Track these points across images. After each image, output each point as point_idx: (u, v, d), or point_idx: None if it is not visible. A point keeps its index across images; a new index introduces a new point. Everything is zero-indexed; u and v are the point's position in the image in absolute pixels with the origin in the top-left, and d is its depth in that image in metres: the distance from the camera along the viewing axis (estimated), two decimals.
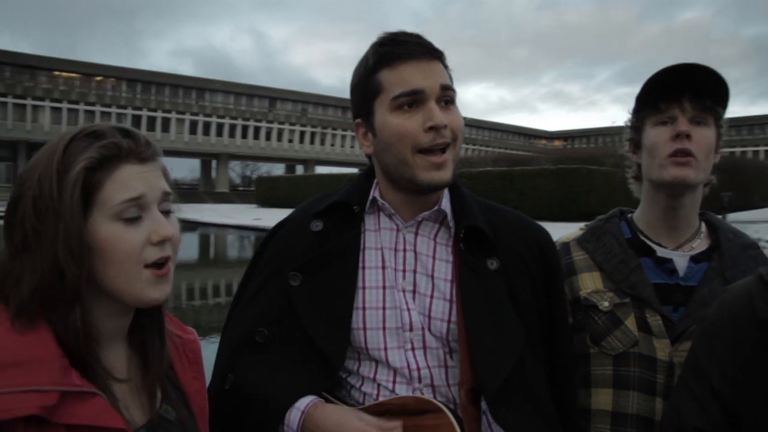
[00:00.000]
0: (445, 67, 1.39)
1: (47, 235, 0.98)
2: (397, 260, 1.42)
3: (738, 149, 74.51)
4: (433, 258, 1.42)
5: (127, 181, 1.02)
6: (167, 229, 1.05)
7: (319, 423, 1.28)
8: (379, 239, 1.44)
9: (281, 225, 1.54)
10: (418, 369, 1.36)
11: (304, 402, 1.31)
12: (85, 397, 0.96)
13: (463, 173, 40.68)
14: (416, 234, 1.43)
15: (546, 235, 1.52)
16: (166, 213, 1.08)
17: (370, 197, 1.45)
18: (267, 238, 1.55)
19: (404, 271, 1.41)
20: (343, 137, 79.25)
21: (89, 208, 1.00)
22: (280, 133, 75.70)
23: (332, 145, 79.74)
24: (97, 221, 1.00)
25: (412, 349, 1.37)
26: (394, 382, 1.37)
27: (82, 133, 1.04)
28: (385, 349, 1.37)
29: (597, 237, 1.71)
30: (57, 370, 0.95)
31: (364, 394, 1.38)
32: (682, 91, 1.54)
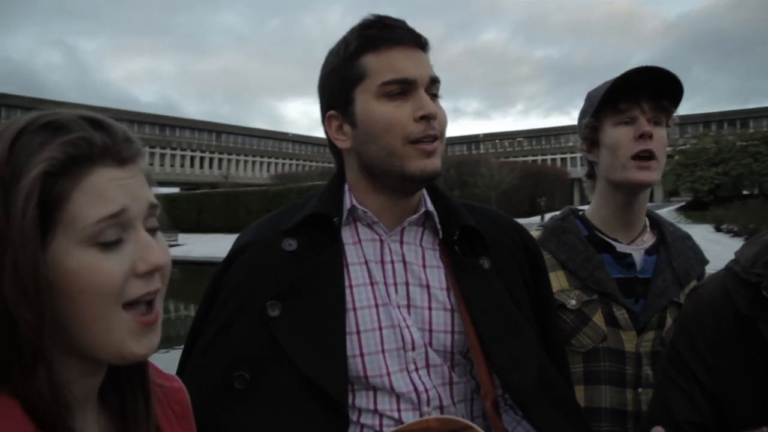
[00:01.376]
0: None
1: None
2: (386, 274, 1.28)
3: (539, 157, 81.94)
4: (424, 266, 1.31)
5: (104, 192, 0.75)
6: (157, 255, 0.78)
7: None
8: (362, 253, 1.29)
9: (241, 249, 1.32)
10: (426, 391, 1.23)
11: None
12: None
13: (293, 188, 40.85)
14: (401, 242, 1.31)
15: (525, 228, 1.47)
16: (153, 232, 0.81)
17: (348, 206, 1.30)
18: (225, 266, 1.32)
19: (395, 284, 1.28)
20: (162, 155, 75.63)
21: (50, 229, 0.72)
22: None
23: (151, 164, 75.76)
24: (61, 248, 0.73)
25: (416, 369, 1.24)
26: (399, 410, 1.22)
27: (34, 124, 0.75)
28: (388, 374, 1.22)
29: (557, 236, 1.71)
30: None
31: (363, 426, 1.21)
32: (642, 92, 1.60)
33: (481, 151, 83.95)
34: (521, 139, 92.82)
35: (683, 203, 50.94)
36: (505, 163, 47.36)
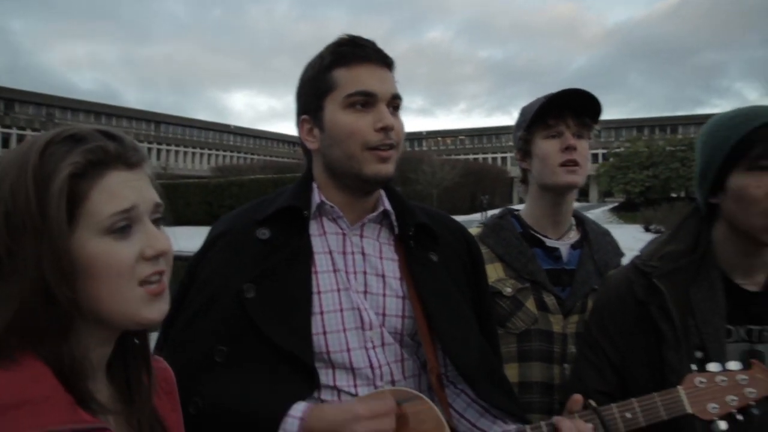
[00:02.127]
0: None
1: (26, 257, 0.85)
2: (347, 263, 1.47)
3: (480, 156, 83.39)
4: (380, 258, 1.50)
5: (117, 191, 0.91)
6: (163, 243, 0.95)
7: (321, 425, 1.25)
8: (326, 243, 1.47)
9: (218, 237, 1.49)
10: (380, 366, 1.42)
11: (299, 409, 1.28)
12: None
13: (234, 181, 40.36)
14: (361, 236, 1.50)
15: (467, 229, 1.69)
16: (157, 224, 0.97)
17: (317, 201, 1.48)
18: (203, 252, 1.48)
19: (355, 273, 1.46)
20: None
21: (73, 222, 0.87)
22: (20, 139, 67.82)
23: None
24: (83, 237, 0.88)
25: (373, 347, 1.43)
26: (356, 386, 1.40)
27: (60, 136, 0.91)
28: (348, 350, 1.40)
29: (495, 233, 1.96)
30: (64, 407, 0.86)
31: (323, 402, 1.37)
32: (567, 110, 1.86)
33: (424, 148, 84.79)
34: (463, 137, 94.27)
35: (616, 204, 52.76)
36: (447, 161, 48.00)
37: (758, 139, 1.40)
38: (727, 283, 1.51)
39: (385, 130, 1.41)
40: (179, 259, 1.07)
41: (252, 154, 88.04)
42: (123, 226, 0.91)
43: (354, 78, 1.42)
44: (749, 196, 1.41)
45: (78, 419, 0.86)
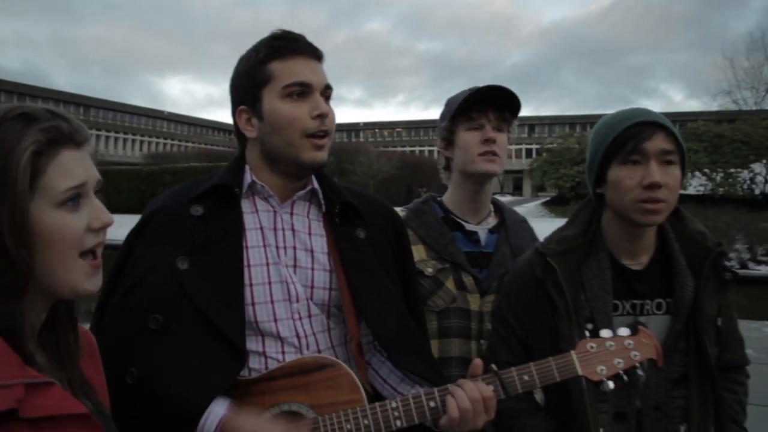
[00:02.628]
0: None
1: None
2: (277, 239, 1.56)
3: (417, 148, 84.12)
4: (309, 234, 1.60)
5: (70, 168, 0.98)
6: (107, 215, 1.03)
7: None
8: (258, 220, 1.57)
9: (153, 214, 1.56)
10: (306, 336, 1.52)
11: (219, 414, 1.36)
12: (42, 389, 0.94)
13: (167, 169, 39.54)
14: (291, 213, 1.60)
15: (393, 209, 1.82)
16: (98, 197, 1.06)
17: (248, 181, 1.57)
18: (138, 228, 1.56)
19: (285, 248, 1.56)
20: None
21: (31, 194, 0.95)
22: None
23: None
24: (39, 209, 0.96)
25: (300, 318, 1.53)
26: (283, 352, 1.50)
27: (11, 113, 0.97)
28: (275, 320, 1.51)
29: (418, 216, 2.08)
30: (14, 364, 0.92)
31: (251, 369, 1.48)
32: (489, 104, 2.00)
33: (361, 140, 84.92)
34: (400, 129, 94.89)
35: (548, 198, 54.19)
36: (384, 153, 48.19)
37: (630, 136, 1.59)
38: (614, 263, 1.69)
39: (322, 117, 1.52)
40: (110, 248, 1.14)
41: (186, 141, 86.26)
42: (74, 200, 0.99)
43: (289, 70, 1.52)
44: (623, 187, 1.60)
45: (27, 374, 0.92)
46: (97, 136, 77.64)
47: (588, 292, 1.65)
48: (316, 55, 1.58)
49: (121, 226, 1.58)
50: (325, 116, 1.53)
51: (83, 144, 1.03)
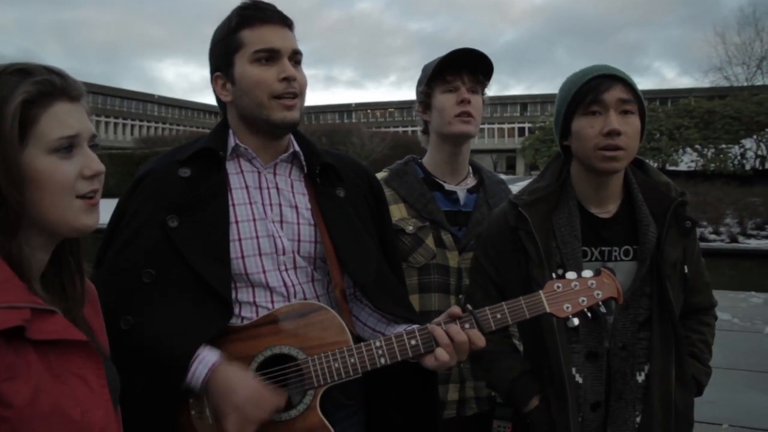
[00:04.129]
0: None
1: None
2: (263, 197, 1.66)
3: (410, 128, 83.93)
4: (292, 192, 1.69)
5: (63, 119, 1.06)
6: (99, 164, 1.10)
7: (220, 384, 1.44)
8: (243, 180, 1.66)
9: (144, 176, 1.65)
10: (293, 286, 1.63)
11: (212, 359, 1.46)
12: (46, 316, 1.02)
13: (159, 153, 39.19)
14: (275, 174, 1.69)
15: (371, 170, 1.91)
16: (93, 150, 1.13)
17: (232, 144, 1.66)
18: (130, 190, 1.65)
19: (270, 204, 1.66)
20: None
21: (25, 140, 1.03)
22: None
23: None
24: (32, 153, 1.03)
25: (286, 270, 1.63)
26: (272, 301, 1.61)
27: (9, 68, 1.06)
28: (264, 272, 1.60)
29: (400, 177, 2.16)
30: (21, 289, 1.01)
31: (243, 318, 1.58)
32: (463, 67, 2.08)
33: (353, 121, 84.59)
34: (393, 109, 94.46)
35: None
36: (377, 133, 48.06)
37: (590, 89, 1.69)
38: (582, 211, 1.79)
39: (288, 80, 1.60)
40: (100, 233, 1.20)
41: (177, 125, 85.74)
42: (67, 147, 1.06)
43: (258, 36, 1.61)
44: (584, 136, 1.70)
45: (34, 301, 1.01)
46: None
47: (558, 239, 1.75)
48: (285, 22, 1.66)
49: (113, 211, 1.67)
50: (291, 79, 1.61)
51: (78, 99, 1.10)
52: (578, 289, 1.57)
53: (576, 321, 1.57)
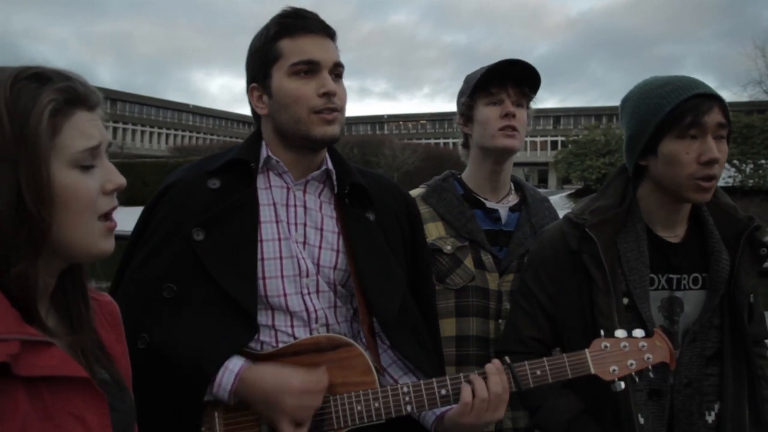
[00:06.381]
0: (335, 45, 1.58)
1: (2, 183, 0.89)
2: (289, 215, 1.56)
3: (442, 140, 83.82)
4: (320, 213, 1.59)
5: (85, 129, 0.97)
6: (120, 178, 1.02)
7: (255, 387, 1.38)
8: (271, 196, 1.57)
9: (171, 186, 1.57)
10: (315, 311, 1.53)
11: (237, 364, 1.38)
12: (41, 348, 0.92)
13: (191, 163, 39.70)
14: (305, 192, 1.59)
15: (408, 193, 1.80)
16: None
17: (264, 156, 1.57)
18: (156, 200, 1.57)
19: (296, 224, 1.56)
20: None
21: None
22: None
23: None
24: (54, 168, 0.93)
25: (309, 293, 1.53)
26: (293, 326, 1.51)
27: (24, 73, 0.95)
28: (285, 295, 1.51)
29: (438, 193, 2.05)
30: (12, 320, 0.91)
31: (262, 342, 1.49)
32: (508, 79, 1.96)
33: (385, 132, 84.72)
34: (425, 121, 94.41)
35: (573, 190, 53.62)
36: (409, 145, 48.00)
37: (688, 109, 1.51)
38: (650, 234, 1.64)
39: (328, 95, 1.50)
40: (121, 239, 1.12)
41: (212, 134, 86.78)
42: (88, 162, 0.97)
43: (298, 48, 1.52)
44: (680, 162, 1.53)
45: (25, 332, 0.90)
46: (123, 130, 78.46)
47: (624, 265, 1.61)
48: (327, 32, 1.56)
49: None
50: (332, 94, 1.51)
51: (96, 107, 1.02)
52: (627, 351, 1.45)
53: (622, 385, 1.44)
